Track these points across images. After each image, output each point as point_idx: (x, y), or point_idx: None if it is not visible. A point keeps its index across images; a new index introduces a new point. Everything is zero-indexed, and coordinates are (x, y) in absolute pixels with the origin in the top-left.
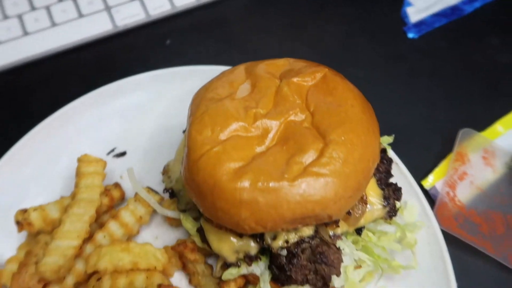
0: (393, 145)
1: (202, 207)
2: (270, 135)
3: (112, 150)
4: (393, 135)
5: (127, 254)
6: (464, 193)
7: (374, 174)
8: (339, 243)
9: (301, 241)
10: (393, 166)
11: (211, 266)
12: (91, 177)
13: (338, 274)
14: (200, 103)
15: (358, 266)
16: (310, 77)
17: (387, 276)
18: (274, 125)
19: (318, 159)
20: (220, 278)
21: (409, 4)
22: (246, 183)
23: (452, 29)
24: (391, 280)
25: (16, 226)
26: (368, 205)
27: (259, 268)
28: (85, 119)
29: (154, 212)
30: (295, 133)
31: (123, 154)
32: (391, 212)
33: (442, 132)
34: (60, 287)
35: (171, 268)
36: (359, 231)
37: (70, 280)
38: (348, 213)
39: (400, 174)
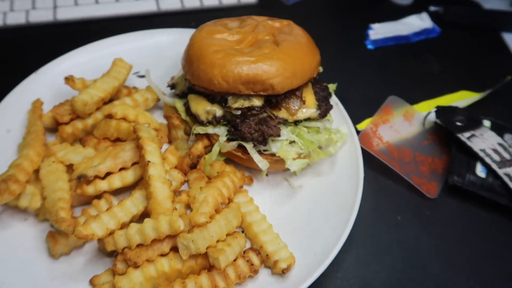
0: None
1: (190, 72)
2: (244, 43)
3: (137, 72)
4: (336, 83)
5: (132, 109)
6: (384, 131)
7: (314, 95)
8: (279, 126)
9: (252, 107)
10: (334, 105)
11: (188, 136)
12: (119, 68)
13: (275, 134)
14: (205, 25)
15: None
16: (279, 22)
17: (312, 166)
18: (248, 38)
19: (270, 52)
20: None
21: (371, 29)
22: (220, 55)
23: (400, 47)
24: (315, 169)
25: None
26: (305, 106)
27: (221, 130)
28: (125, 46)
29: (157, 104)
30: (260, 42)
31: (143, 76)
32: (322, 114)
33: (378, 103)
34: (82, 122)
35: (161, 135)
36: (296, 122)
37: (90, 121)
38: (286, 98)
39: (338, 110)
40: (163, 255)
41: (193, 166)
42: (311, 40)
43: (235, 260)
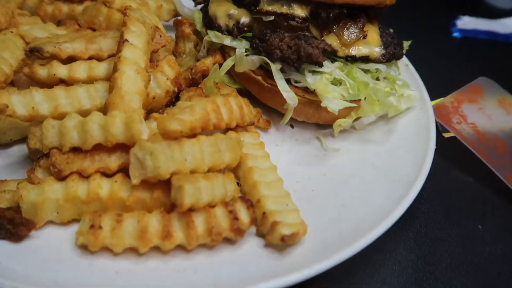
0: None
1: None
2: None
3: None
4: (411, 41)
5: (136, 3)
6: (470, 111)
7: (381, 36)
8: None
9: (290, 16)
10: (403, 68)
11: (197, 51)
12: None
13: (315, 57)
14: None
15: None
16: None
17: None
18: None
19: None
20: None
21: (460, 19)
22: None
23: (495, 43)
24: (362, 135)
25: None
26: (365, 41)
27: (241, 44)
28: None
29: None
30: None
31: None
32: (386, 56)
33: (458, 87)
34: (69, 6)
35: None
36: (348, 59)
37: (79, 8)
38: (341, 20)
39: (408, 73)
40: (106, 174)
41: (193, 85)
42: None
43: (212, 207)
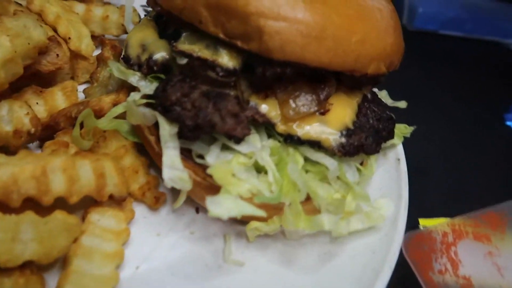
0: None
1: None
2: None
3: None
4: (414, 127)
5: (59, 8)
6: (469, 255)
7: (356, 114)
8: (251, 136)
9: (212, 64)
10: (393, 163)
11: (109, 83)
12: None
13: (223, 130)
14: None
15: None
16: None
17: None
18: None
19: None
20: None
21: None
22: None
23: None
24: (285, 249)
25: None
26: (321, 118)
27: (149, 86)
28: None
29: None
30: None
31: None
32: (345, 148)
33: (480, 203)
34: None
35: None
36: (288, 139)
37: None
38: (288, 84)
39: (394, 170)
40: None
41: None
42: (397, 20)
43: None
